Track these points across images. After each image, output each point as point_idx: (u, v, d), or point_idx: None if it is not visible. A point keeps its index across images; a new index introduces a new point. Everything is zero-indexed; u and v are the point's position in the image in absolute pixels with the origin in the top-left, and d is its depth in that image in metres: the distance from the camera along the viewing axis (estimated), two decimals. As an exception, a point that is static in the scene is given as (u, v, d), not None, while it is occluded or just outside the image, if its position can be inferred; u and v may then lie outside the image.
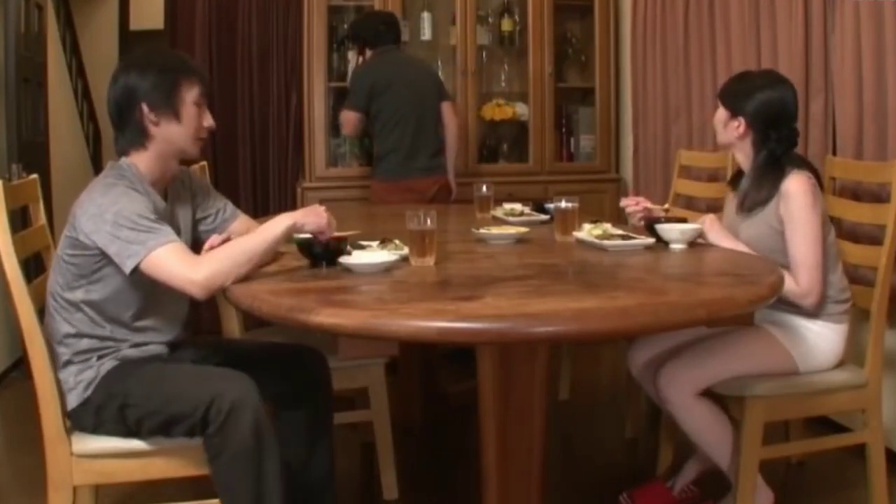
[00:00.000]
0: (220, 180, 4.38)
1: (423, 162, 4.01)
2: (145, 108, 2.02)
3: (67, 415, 2.00)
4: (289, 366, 2.23)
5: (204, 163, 3.25)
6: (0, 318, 3.86)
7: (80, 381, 2.01)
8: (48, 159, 4.67)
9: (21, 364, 3.83)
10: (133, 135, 2.04)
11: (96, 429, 2.00)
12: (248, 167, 4.64)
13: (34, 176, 2.29)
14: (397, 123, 3.96)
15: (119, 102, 2.04)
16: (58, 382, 1.98)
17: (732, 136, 2.45)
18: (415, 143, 3.98)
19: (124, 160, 2.06)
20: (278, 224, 2.00)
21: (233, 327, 2.61)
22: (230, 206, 2.38)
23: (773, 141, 2.39)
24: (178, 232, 2.13)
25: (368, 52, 4.06)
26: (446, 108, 4.08)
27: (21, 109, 4.11)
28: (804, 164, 2.42)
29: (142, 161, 2.06)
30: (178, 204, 2.20)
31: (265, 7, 4.56)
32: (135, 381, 1.98)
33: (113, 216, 1.90)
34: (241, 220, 2.37)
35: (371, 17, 4.22)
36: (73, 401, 2.00)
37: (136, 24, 7.04)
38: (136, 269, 1.89)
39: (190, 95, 2.06)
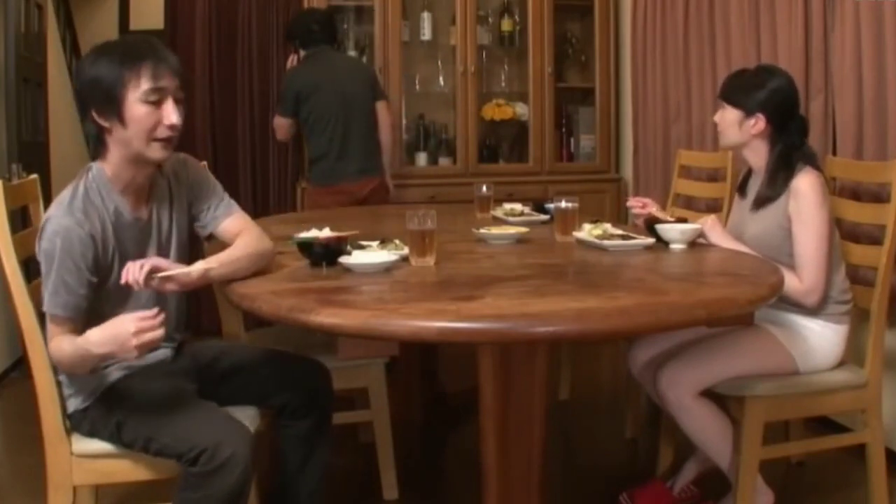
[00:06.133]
0: (220, 180, 4.31)
1: (355, 164, 3.94)
2: (94, 112, 1.87)
3: (67, 416, 2.00)
4: (292, 377, 2.19)
5: (204, 163, 3.24)
6: (0, 318, 3.86)
7: (81, 387, 1.98)
8: (48, 159, 4.68)
9: (21, 364, 3.83)
10: (92, 138, 1.92)
11: (90, 435, 1.98)
12: (248, 167, 4.64)
13: (34, 176, 2.28)
14: (325, 128, 3.91)
15: (76, 102, 1.93)
16: (58, 383, 1.97)
17: (747, 135, 2.42)
18: (344, 146, 3.92)
19: (95, 164, 1.95)
20: (97, 346, 1.77)
21: (234, 328, 2.59)
22: (224, 203, 2.19)
23: (791, 132, 2.39)
24: (163, 235, 2.05)
25: (302, 53, 4.00)
26: (380, 108, 4.03)
27: (21, 109, 4.12)
28: (815, 158, 2.42)
29: (108, 166, 1.93)
30: (168, 202, 2.07)
31: (265, 7, 4.56)
32: (138, 402, 1.93)
33: (47, 243, 1.83)
34: (235, 218, 2.16)
35: (304, 15, 4.12)
36: (72, 405, 1.99)
37: (136, 24, 7.03)
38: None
39: (136, 93, 1.83)
